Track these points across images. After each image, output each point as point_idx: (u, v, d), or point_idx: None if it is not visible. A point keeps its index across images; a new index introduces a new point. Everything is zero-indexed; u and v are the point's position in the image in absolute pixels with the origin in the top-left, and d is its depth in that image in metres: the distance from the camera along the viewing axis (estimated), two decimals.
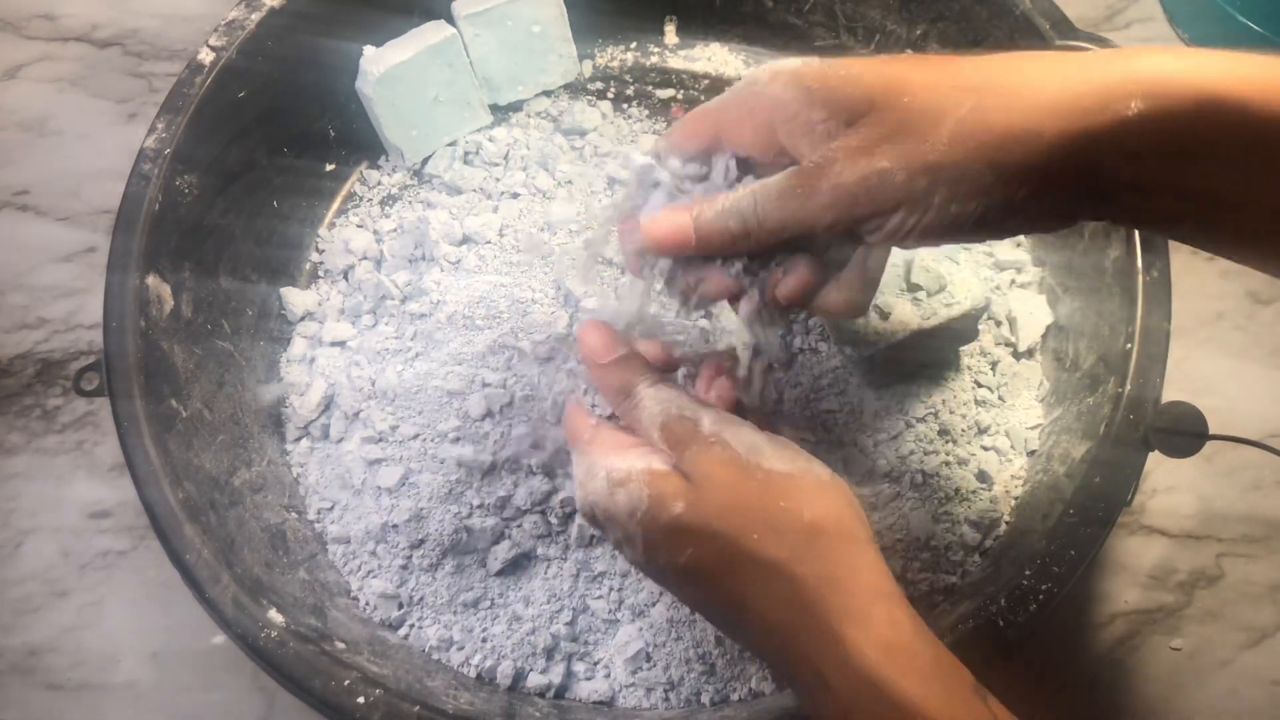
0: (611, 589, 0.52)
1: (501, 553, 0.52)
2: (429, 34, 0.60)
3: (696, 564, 0.36)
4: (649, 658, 0.50)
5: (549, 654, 0.51)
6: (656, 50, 0.69)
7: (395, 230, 0.62)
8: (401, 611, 0.52)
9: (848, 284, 0.39)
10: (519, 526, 0.52)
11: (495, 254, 0.58)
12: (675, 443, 0.38)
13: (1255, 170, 0.32)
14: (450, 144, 0.64)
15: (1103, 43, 0.53)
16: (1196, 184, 0.33)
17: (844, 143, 0.34)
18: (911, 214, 0.34)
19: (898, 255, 0.49)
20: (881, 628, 0.34)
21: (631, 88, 0.68)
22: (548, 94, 0.66)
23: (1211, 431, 0.47)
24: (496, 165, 0.63)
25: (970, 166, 0.33)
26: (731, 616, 0.38)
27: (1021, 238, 0.60)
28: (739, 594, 0.36)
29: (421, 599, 0.52)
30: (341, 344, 0.59)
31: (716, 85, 0.68)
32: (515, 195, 0.62)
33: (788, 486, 0.36)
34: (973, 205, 0.34)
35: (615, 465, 0.39)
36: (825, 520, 0.36)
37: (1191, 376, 0.62)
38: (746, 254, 0.39)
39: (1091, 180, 0.33)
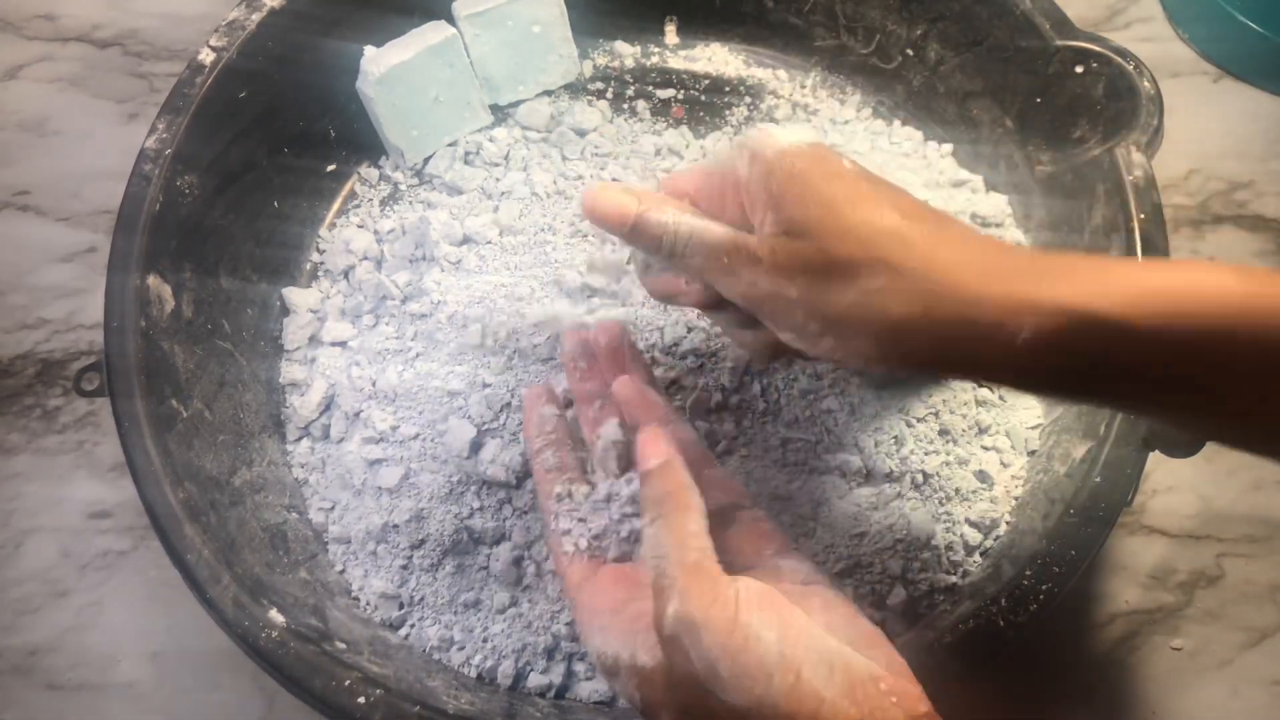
0: None
1: (502, 553, 0.52)
2: (429, 34, 0.60)
3: None
4: None
5: (549, 654, 0.51)
6: (656, 50, 0.69)
7: (395, 230, 0.62)
8: (402, 611, 0.52)
9: (754, 339, 0.42)
10: (520, 527, 0.52)
11: (495, 254, 0.58)
12: (656, 614, 0.35)
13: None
14: (450, 144, 0.64)
15: (1102, 42, 0.53)
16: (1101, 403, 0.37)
17: (773, 249, 0.36)
18: (799, 339, 0.37)
19: None
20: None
21: (631, 88, 0.68)
22: (548, 94, 0.67)
23: None
24: (496, 165, 0.63)
25: (859, 334, 0.35)
26: None
27: (1022, 235, 0.60)
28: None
29: (422, 599, 0.52)
30: (342, 344, 0.59)
31: (716, 85, 0.68)
32: (515, 195, 0.61)
33: (868, 684, 0.33)
34: (851, 359, 0.36)
35: (603, 648, 0.37)
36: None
37: None
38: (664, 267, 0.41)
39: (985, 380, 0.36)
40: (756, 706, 0.32)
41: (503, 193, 0.61)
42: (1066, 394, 0.38)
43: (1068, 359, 0.33)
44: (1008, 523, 0.53)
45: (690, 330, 0.55)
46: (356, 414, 0.56)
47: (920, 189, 0.61)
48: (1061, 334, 0.32)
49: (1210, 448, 0.47)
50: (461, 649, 0.51)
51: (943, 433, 0.54)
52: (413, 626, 0.52)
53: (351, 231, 0.62)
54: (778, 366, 0.54)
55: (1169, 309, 0.32)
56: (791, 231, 0.36)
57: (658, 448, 0.38)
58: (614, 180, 0.62)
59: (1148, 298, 0.32)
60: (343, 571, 0.54)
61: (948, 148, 0.63)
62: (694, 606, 0.34)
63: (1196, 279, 0.32)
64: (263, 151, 0.59)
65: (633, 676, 0.36)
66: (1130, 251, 0.51)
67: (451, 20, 0.61)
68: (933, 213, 0.36)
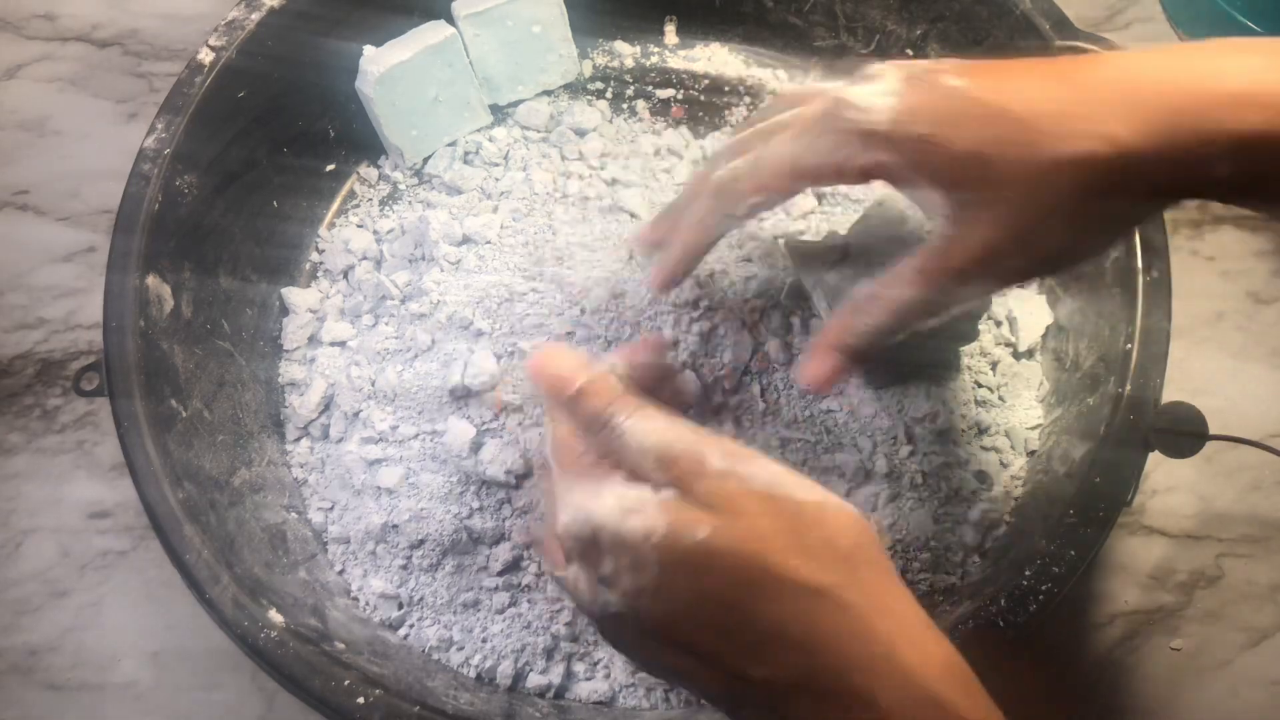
0: None
1: (502, 553, 0.52)
2: (429, 34, 0.60)
3: (724, 589, 0.34)
4: None
5: (549, 654, 0.51)
6: (656, 50, 0.69)
7: (395, 230, 0.62)
8: (401, 612, 0.52)
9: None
10: (519, 527, 0.52)
11: (495, 254, 0.58)
12: (678, 479, 0.35)
13: None
14: (450, 144, 0.64)
15: (1102, 43, 0.53)
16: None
17: (965, 247, 0.37)
18: (1044, 274, 0.42)
19: None
20: (934, 650, 0.34)
21: (631, 88, 0.68)
22: (547, 94, 0.66)
23: (1211, 431, 0.47)
24: (496, 165, 0.63)
25: (1085, 236, 0.37)
26: (754, 645, 0.34)
27: None
28: (776, 621, 0.33)
29: (421, 599, 0.52)
30: (341, 344, 0.59)
31: (716, 85, 0.68)
32: (515, 195, 0.61)
33: (821, 517, 0.35)
34: (1092, 251, 0.40)
35: (626, 492, 0.36)
36: (861, 550, 0.35)
37: (1191, 376, 0.62)
38: None
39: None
40: (819, 502, 0.35)
41: (502, 193, 0.61)
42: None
43: (1262, 179, 0.35)
44: (1008, 523, 0.53)
45: (688, 331, 0.55)
46: (356, 414, 0.56)
47: None
48: (1254, 163, 0.34)
49: (1210, 447, 0.47)
50: (461, 649, 0.51)
51: (942, 433, 0.54)
52: (412, 627, 0.52)
53: (351, 231, 0.62)
54: (777, 366, 0.54)
55: None
56: (968, 202, 0.37)
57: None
58: (615, 181, 0.62)
59: None
60: (342, 571, 0.54)
61: None
62: (727, 445, 0.36)
63: None
64: (262, 151, 0.59)
65: (659, 505, 0.35)
66: (1130, 251, 0.50)
67: (451, 20, 0.61)
68: (1070, 71, 0.37)
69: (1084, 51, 0.54)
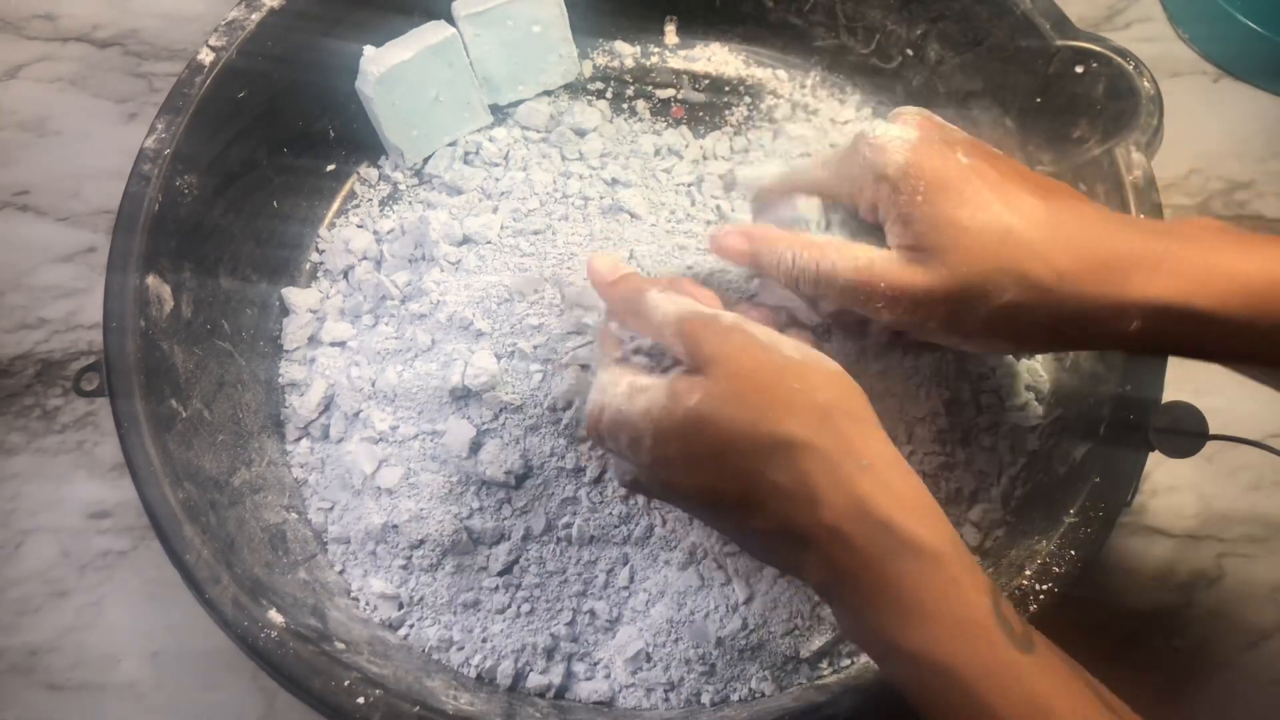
0: (612, 589, 0.52)
1: (501, 553, 0.52)
2: (429, 34, 0.60)
3: (709, 449, 0.38)
4: (649, 658, 0.50)
5: (549, 654, 0.51)
6: (656, 50, 0.69)
7: (395, 230, 0.62)
8: (401, 612, 0.52)
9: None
10: (519, 527, 0.52)
11: (495, 254, 0.58)
12: (691, 334, 0.40)
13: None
14: (450, 144, 0.64)
15: (1102, 42, 0.53)
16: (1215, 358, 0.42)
17: (909, 279, 0.41)
18: (937, 341, 0.44)
19: None
20: (895, 484, 0.37)
21: (631, 88, 0.68)
22: (548, 94, 0.66)
23: (1211, 431, 0.47)
24: (496, 165, 0.63)
25: (995, 339, 0.42)
26: (745, 499, 0.38)
27: None
28: (754, 470, 0.38)
29: (421, 599, 0.52)
30: (341, 344, 0.59)
31: (716, 85, 0.68)
32: (515, 195, 0.61)
33: (802, 370, 0.39)
34: (991, 350, 0.47)
35: (640, 379, 0.41)
36: (838, 401, 0.38)
37: (1191, 376, 0.62)
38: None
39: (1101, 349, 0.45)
40: (805, 359, 0.39)
41: (502, 193, 0.61)
42: (1166, 355, 0.47)
43: (1171, 341, 0.40)
44: (1007, 523, 0.53)
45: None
46: (356, 414, 0.56)
47: None
48: (1165, 324, 0.39)
49: (1210, 447, 0.47)
50: (461, 649, 0.51)
51: (942, 433, 0.54)
52: (412, 627, 0.52)
53: (351, 231, 0.62)
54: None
55: (1266, 300, 0.38)
56: (920, 249, 0.41)
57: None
58: (615, 181, 0.62)
59: (1244, 289, 0.38)
60: (342, 571, 0.54)
61: None
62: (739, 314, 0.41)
63: None
64: (262, 151, 0.59)
65: (666, 383, 0.40)
66: None
67: (451, 20, 0.61)
68: (1051, 197, 0.41)
69: (1084, 51, 0.54)
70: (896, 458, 0.38)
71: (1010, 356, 0.56)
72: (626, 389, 0.40)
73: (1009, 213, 0.40)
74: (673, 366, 0.42)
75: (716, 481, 0.39)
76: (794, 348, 0.40)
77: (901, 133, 0.42)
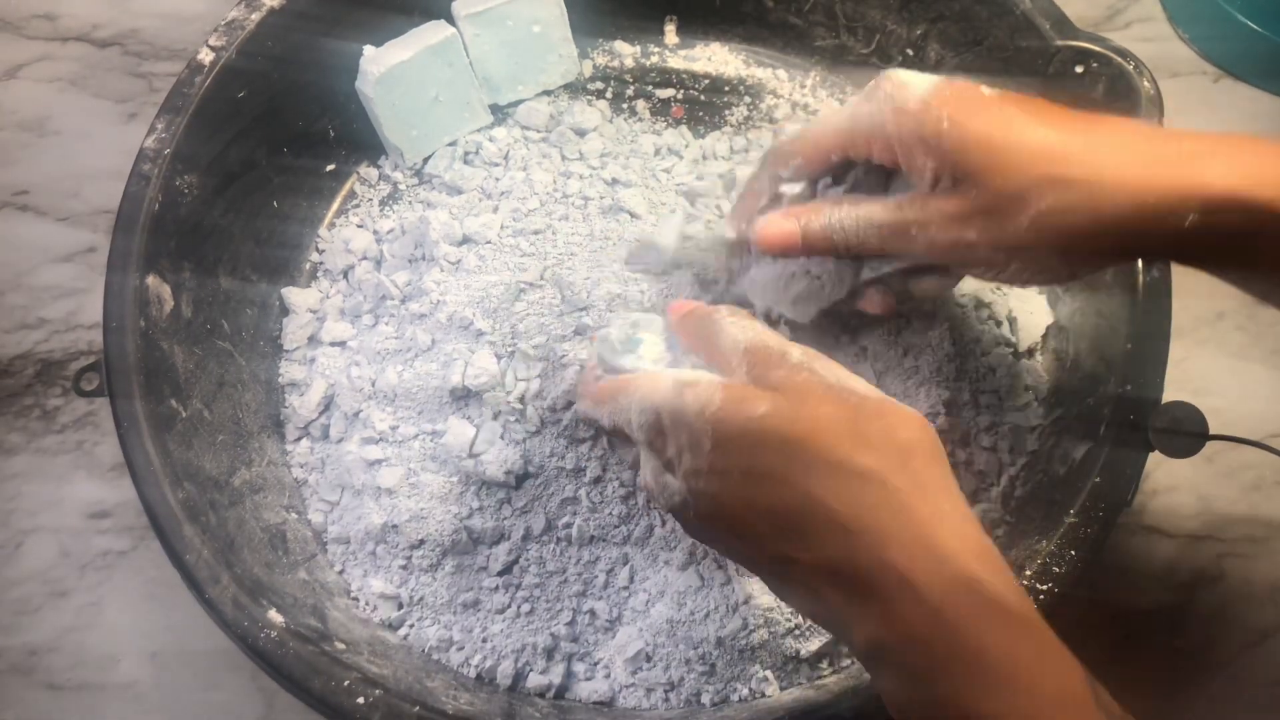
0: (612, 589, 0.52)
1: (501, 553, 0.52)
2: (429, 34, 0.60)
3: (773, 466, 0.35)
4: (649, 658, 0.50)
5: (549, 654, 0.51)
6: (656, 50, 0.69)
7: (395, 230, 0.62)
8: (401, 612, 0.52)
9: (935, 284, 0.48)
10: (519, 527, 0.52)
11: (495, 254, 0.58)
12: (758, 365, 0.38)
13: None
14: (450, 144, 0.64)
15: (1102, 42, 0.53)
16: (1241, 274, 0.41)
17: (942, 207, 0.41)
18: (988, 271, 0.43)
19: None
20: (974, 536, 0.34)
21: (631, 88, 0.68)
22: (547, 94, 0.66)
23: (1212, 431, 0.47)
24: (496, 165, 0.63)
25: (1041, 251, 0.40)
26: (801, 526, 0.35)
27: None
28: (819, 499, 0.34)
29: (421, 599, 0.52)
30: (341, 344, 0.59)
31: (716, 85, 0.68)
32: (515, 195, 0.61)
33: (882, 409, 0.36)
34: (1039, 275, 0.42)
35: (683, 373, 0.39)
36: (917, 443, 0.36)
37: (1191, 376, 0.62)
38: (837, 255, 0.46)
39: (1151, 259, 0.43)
40: (882, 399, 0.37)
41: (502, 192, 0.61)
42: (1219, 269, 0.41)
43: (1228, 239, 0.37)
44: (1007, 523, 0.53)
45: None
46: (356, 414, 0.56)
47: None
48: (1224, 216, 0.36)
49: (1210, 447, 0.47)
50: (461, 649, 0.51)
51: (942, 433, 0.53)
52: (412, 627, 0.52)
53: (351, 231, 0.62)
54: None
55: None
56: (957, 179, 0.40)
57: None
58: (615, 181, 0.62)
59: None
60: (342, 572, 0.54)
61: None
62: (810, 350, 0.39)
63: None
64: (262, 151, 0.59)
65: (717, 383, 0.38)
66: None
67: (451, 20, 0.61)
68: (1078, 119, 0.40)
69: (1084, 51, 0.54)
70: (966, 511, 0.35)
71: (1010, 356, 0.56)
72: (671, 385, 0.38)
73: (1042, 127, 0.39)
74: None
75: (775, 501, 0.35)
76: (866, 388, 0.37)
77: (924, 76, 0.41)
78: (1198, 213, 0.36)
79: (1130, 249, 0.40)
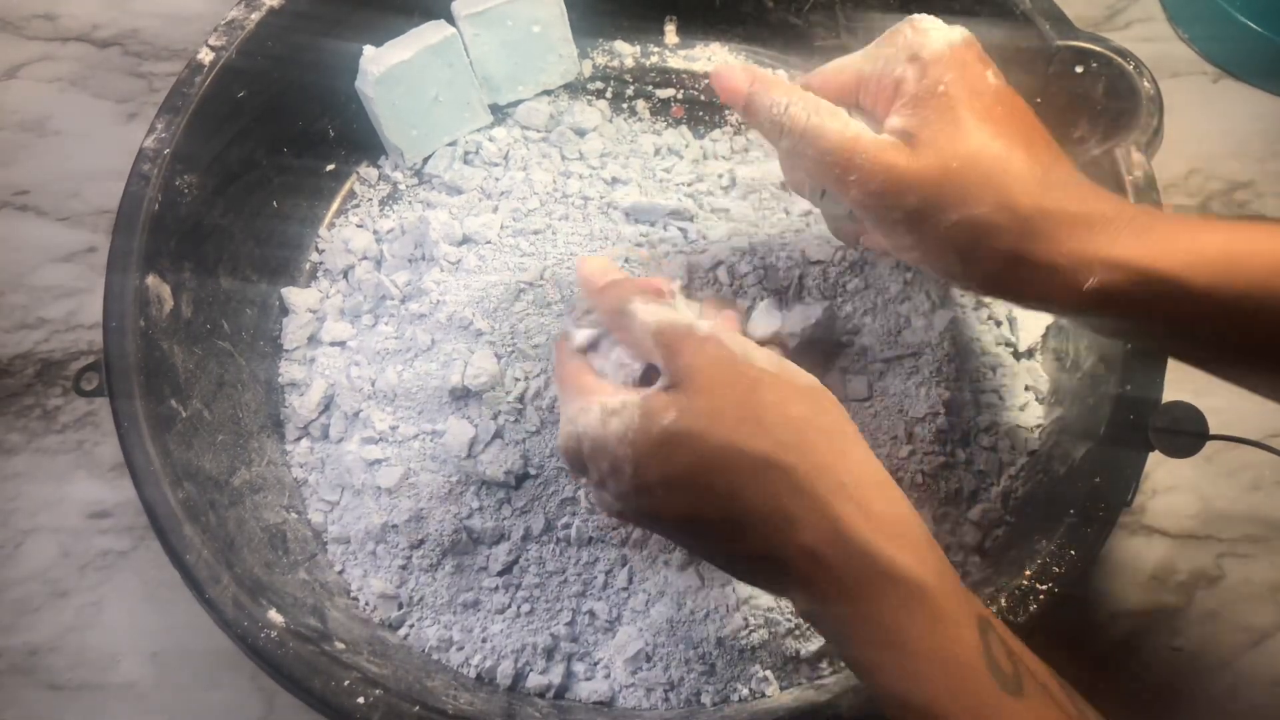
0: (612, 589, 0.52)
1: (501, 553, 0.52)
2: (429, 34, 0.60)
3: (688, 470, 0.37)
4: (649, 658, 0.50)
5: (549, 654, 0.51)
6: (656, 50, 0.69)
7: (395, 230, 0.62)
8: (401, 612, 0.52)
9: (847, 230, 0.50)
10: (519, 527, 0.52)
11: (495, 254, 0.58)
12: (669, 345, 0.39)
13: (1186, 333, 0.40)
14: (450, 144, 0.64)
15: (1103, 42, 0.53)
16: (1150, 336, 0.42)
17: (896, 151, 0.40)
18: (890, 232, 0.42)
19: None
20: (874, 505, 0.36)
21: (631, 88, 0.68)
22: (547, 94, 0.66)
23: (1211, 431, 0.47)
24: (496, 165, 0.63)
25: (949, 248, 0.40)
26: (726, 522, 0.37)
27: None
28: (731, 492, 0.36)
29: (421, 599, 0.52)
30: (341, 344, 0.59)
31: None
32: (515, 195, 0.61)
33: (776, 384, 0.38)
34: (935, 265, 0.42)
35: (610, 400, 0.39)
36: (812, 416, 0.37)
37: (1191, 376, 0.61)
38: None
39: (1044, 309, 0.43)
40: (779, 373, 0.38)
41: (502, 192, 0.61)
42: (1120, 335, 0.44)
43: (1126, 307, 0.38)
44: (1007, 523, 0.53)
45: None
46: (356, 414, 0.56)
47: None
48: (1122, 285, 0.38)
49: (1210, 447, 0.47)
50: (461, 649, 0.51)
51: (942, 433, 0.54)
52: (412, 627, 0.52)
53: (351, 231, 0.62)
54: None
55: (1224, 270, 0.37)
56: (921, 139, 0.39)
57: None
58: (616, 180, 0.62)
59: (1206, 259, 0.37)
60: (342, 571, 0.54)
61: None
62: (716, 323, 0.40)
63: (1256, 240, 0.37)
64: (262, 151, 0.59)
65: (639, 402, 0.38)
66: None
67: (451, 20, 0.61)
68: (1050, 150, 0.41)
69: (1084, 51, 0.54)
70: (879, 475, 0.37)
71: (1010, 356, 0.57)
72: (599, 414, 0.39)
73: (1016, 140, 0.39)
74: (642, 381, 0.41)
75: (697, 505, 0.37)
76: (768, 359, 0.39)
77: (949, 28, 0.41)
78: (1098, 275, 0.38)
79: (1029, 290, 0.40)
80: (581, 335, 0.44)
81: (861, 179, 0.40)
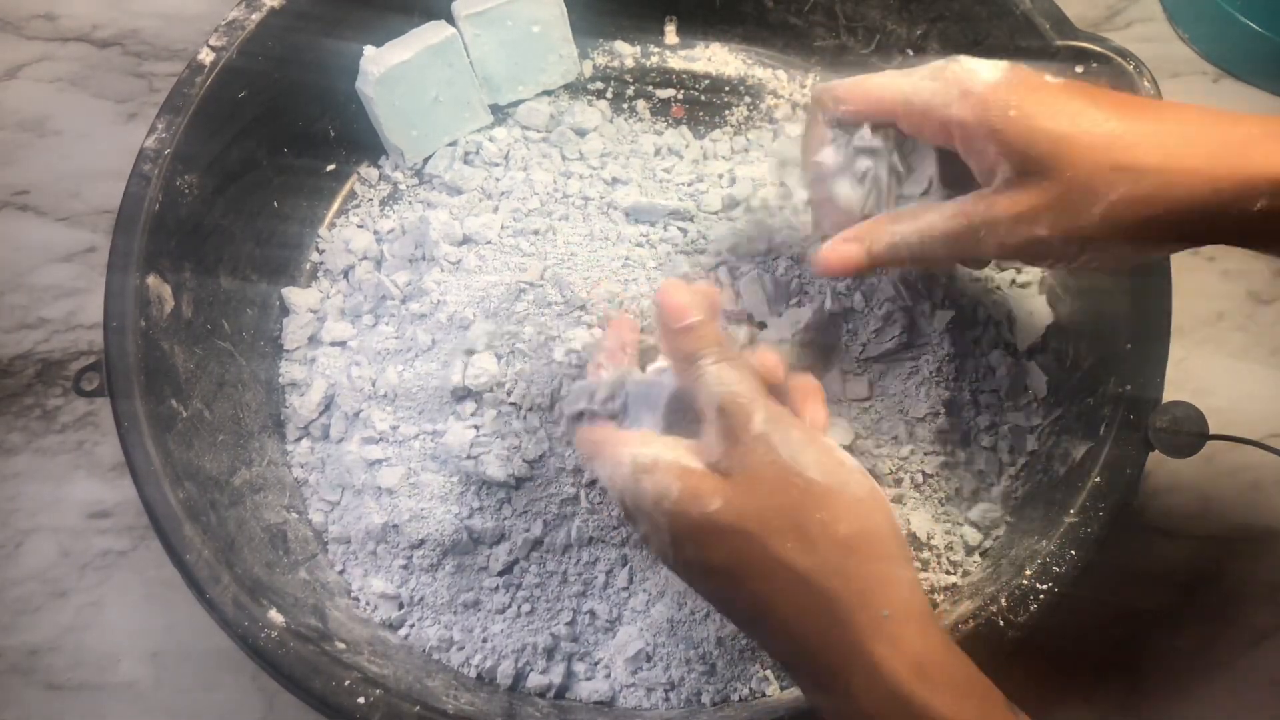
0: (612, 589, 0.52)
1: (502, 553, 0.52)
2: (429, 34, 0.60)
3: (725, 564, 0.37)
4: (649, 658, 0.50)
5: (549, 654, 0.51)
6: (656, 50, 0.69)
7: (395, 230, 0.62)
8: (402, 611, 0.52)
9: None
10: (519, 527, 0.52)
11: (495, 254, 0.58)
12: (728, 428, 0.38)
13: None
14: (450, 144, 0.64)
15: (1103, 42, 0.53)
16: None
17: (1008, 206, 0.40)
18: (1057, 263, 0.42)
19: None
20: (913, 645, 0.35)
21: (631, 88, 0.68)
22: (548, 94, 0.66)
23: (1211, 431, 0.47)
24: (496, 165, 0.63)
25: (1114, 241, 0.39)
26: (757, 620, 0.37)
27: None
28: (767, 600, 0.36)
29: (422, 599, 0.52)
30: (342, 344, 0.59)
31: (716, 85, 0.68)
32: (516, 195, 0.61)
33: (826, 499, 0.36)
34: (1110, 262, 0.42)
35: (641, 452, 0.39)
36: (860, 537, 0.36)
37: (1191, 376, 0.62)
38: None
39: (1219, 243, 0.40)
40: (830, 485, 0.37)
41: (503, 193, 0.61)
42: None
43: None
44: (1007, 523, 0.53)
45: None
46: (356, 414, 0.56)
47: None
48: None
49: (1210, 447, 0.47)
50: (461, 649, 0.51)
51: (942, 433, 0.54)
52: (412, 626, 0.52)
53: (351, 231, 0.62)
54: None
55: None
56: (1022, 170, 0.39)
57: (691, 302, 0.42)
58: (616, 181, 0.62)
59: None
60: (342, 571, 0.54)
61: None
62: (776, 412, 0.38)
63: None
64: (262, 151, 0.59)
65: (675, 469, 0.38)
66: None
67: (451, 20, 0.61)
68: (1142, 102, 0.40)
69: (1084, 51, 0.54)
70: (922, 606, 0.36)
71: (1010, 356, 0.57)
72: (630, 470, 0.38)
73: (1109, 117, 0.39)
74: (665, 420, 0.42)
75: (731, 597, 0.38)
76: (818, 466, 0.37)
77: (994, 63, 0.42)
78: (1267, 196, 0.36)
79: (1200, 234, 0.40)
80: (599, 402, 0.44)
81: (993, 235, 0.41)
